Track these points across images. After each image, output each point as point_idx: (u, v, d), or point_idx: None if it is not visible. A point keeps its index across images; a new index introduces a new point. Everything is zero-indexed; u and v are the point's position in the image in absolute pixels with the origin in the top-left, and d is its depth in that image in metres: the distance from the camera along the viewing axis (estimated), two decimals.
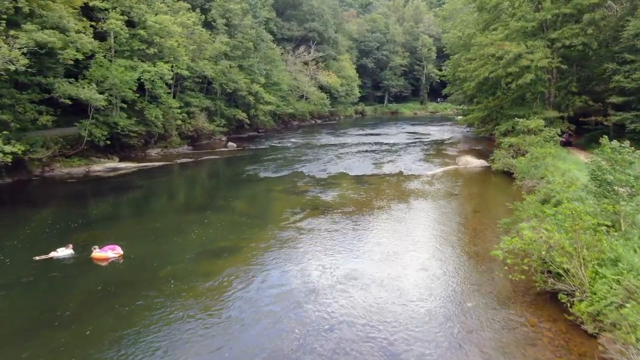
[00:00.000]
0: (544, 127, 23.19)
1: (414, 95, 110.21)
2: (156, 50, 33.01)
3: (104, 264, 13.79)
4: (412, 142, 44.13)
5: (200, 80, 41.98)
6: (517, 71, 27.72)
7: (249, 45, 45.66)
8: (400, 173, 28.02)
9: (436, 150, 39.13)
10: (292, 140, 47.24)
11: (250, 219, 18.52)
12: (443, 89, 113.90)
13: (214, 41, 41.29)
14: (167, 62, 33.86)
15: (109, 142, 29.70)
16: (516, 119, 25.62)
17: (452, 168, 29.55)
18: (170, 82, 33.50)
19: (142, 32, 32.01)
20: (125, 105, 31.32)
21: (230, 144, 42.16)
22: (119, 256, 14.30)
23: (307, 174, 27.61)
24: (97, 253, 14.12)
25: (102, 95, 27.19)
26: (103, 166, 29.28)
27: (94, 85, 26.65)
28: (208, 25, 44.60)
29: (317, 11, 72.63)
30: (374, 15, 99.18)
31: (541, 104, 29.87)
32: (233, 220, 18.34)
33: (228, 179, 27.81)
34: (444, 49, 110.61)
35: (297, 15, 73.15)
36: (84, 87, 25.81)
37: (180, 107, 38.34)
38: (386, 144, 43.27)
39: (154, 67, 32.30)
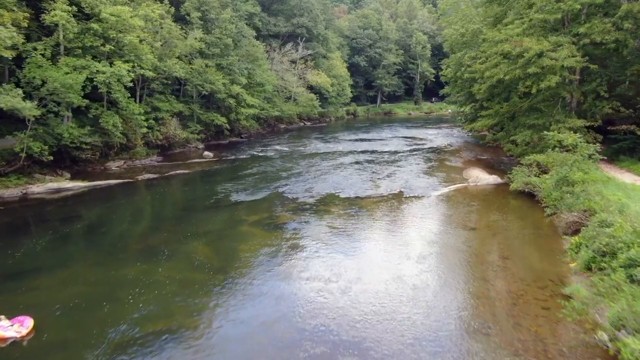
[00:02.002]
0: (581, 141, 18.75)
1: (407, 94, 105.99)
2: (113, 48, 28.09)
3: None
4: (410, 150, 39.67)
5: (172, 82, 37.04)
6: (539, 72, 23.32)
7: (227, 42, 40.82)
8: (401, 194, 23.50)
9: (438, 160, 34.69)
10: (277, 147, 42.54)
11: (210, 275, 13.85)
12: (438, 89, 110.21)
13: (186, 37, 36.36)
14: (128, 62, 28.96)
15: (51, 158, 24.75)
16: (545, 132, 21.18)
17: (461, 186, 25.10)
18: (130, 84, 28.55)
19: (95, 25, 27.07)
20: (70, 115, 26.42)
21: (206, 153, 37.33)
22: (25, 334, 10.25)
23: (289, 197, 22.98)
24: None
25: (31, 103, 22.21)
26: (44, 187, 24.33)
27: (19, 91, 21.62)
28: (182, 19, 39.67)
29: (305, 5, 67.79)
30: (366, 11, 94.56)
31: (563, 110, 25.51)
32: (186, 277, 13.66)
33: (194, 204, 23.01)
34: (442, 47, 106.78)
35: (283, 10, 68.26)
36: (4, 94, 20.74)
37: (146, 113, 33.49)
38: (381, 152, 38.77)
39: (111, 67, 27.39)
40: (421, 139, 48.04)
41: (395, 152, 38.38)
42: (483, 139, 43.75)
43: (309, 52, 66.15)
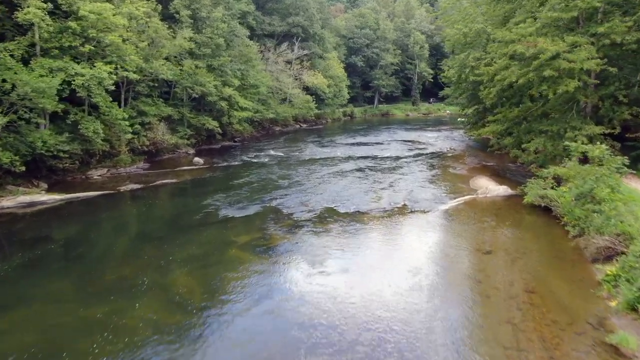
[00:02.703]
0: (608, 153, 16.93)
1: (404, 95, 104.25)
2: (93, 48, 26.02)
3: None
4: (412, 155, 37.82)
5: (160, 84, 34.96)
6: (555, 76, 21.49)
7: (219, 42, 38.78)
8: (405, 208, 21.62)
9: (442, 166, 32.85)
10: (271, 152, 40.56)
11: (190, 315, 11.88)
12: (436, 89, 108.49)
13: (174, 37, 34.29)
14: (110, 63, 26.91)
15: (23, 169, 22.68)
16: (566, 143, 19.32)
17: (469, 198, 23.24)
18: (113, 87, 26.49)
19: (73, 24, 24.99)
20: (46, 122, 24.36)
21: (196, 159, 35.30)
22: None
23: (283, 211, 21.03)
24: None
25: None
26: (16, 200, 22.24)
27: None
28: (171, 18, 37.61)
29: (301, 4, 65.78)
30: (363, 10, 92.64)
31: (578, 116, 23.71)
32: (163, 319, 11.68)
33: (179, 220, 20.96)
34: (440, 47, 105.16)
35: (279, 9, 66.22)
36: None
37: (132, 117, 31.46)
38: (381, 157, 36.91)
39: (91, 69, 25.33)
40: (422, 143, 46.21)
41: (396, 158, 36.50)
42: (486, 143, 42.05)
43: (305, 52, 64.19)
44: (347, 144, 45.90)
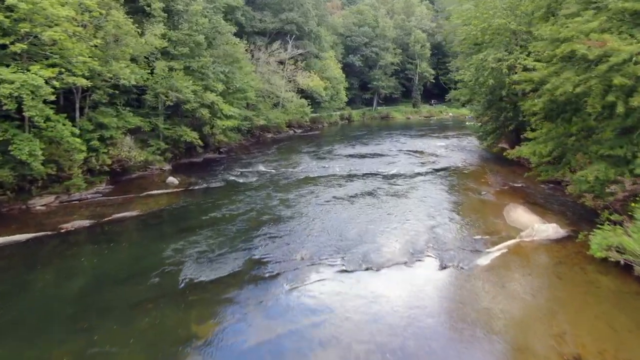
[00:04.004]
0: None
1: (404, 97, 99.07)
2: (27, 47, 20.40)
3: None
4: (423, 172, 32.43)
5: (126, 91, 29.28)
6: (628, 85, 16.14)
7: (199, 40, 33.17)
8: (430, 261, 16.20)
9: (463, 188, 27.49)
10: (261, 167, 35.03)
11: None
12: (437, 90, 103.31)
13: (140, 33, 28.62)
14: (53, 66, 21.27)
15: None
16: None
17: (513, 244, 17.84)
18: (53, 98, 20.86)
19: None
20: None
21: (170, 179, 29.68)
22: None
23: (268, 269, 15.52)
24: None
25: None
26: None
27: None
28: (141, 11, 31.93)
29: None
30: (361, 6, 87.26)
31: None
32: None
33: (122, 290, 15.08)
34: (441, 46, 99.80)
35: (271, 4, 60.61)
36: None
37: (88, 132, 25.93)
38: (388, 175, 31.50)
39: (24, 74, 19.69)
40: (431, 155, 40.87)
41: (406, 176, 31.09)
42: (500, 154, 37.04)
43: (300, 51, 58.64)
44: (346, 156, 40.48)
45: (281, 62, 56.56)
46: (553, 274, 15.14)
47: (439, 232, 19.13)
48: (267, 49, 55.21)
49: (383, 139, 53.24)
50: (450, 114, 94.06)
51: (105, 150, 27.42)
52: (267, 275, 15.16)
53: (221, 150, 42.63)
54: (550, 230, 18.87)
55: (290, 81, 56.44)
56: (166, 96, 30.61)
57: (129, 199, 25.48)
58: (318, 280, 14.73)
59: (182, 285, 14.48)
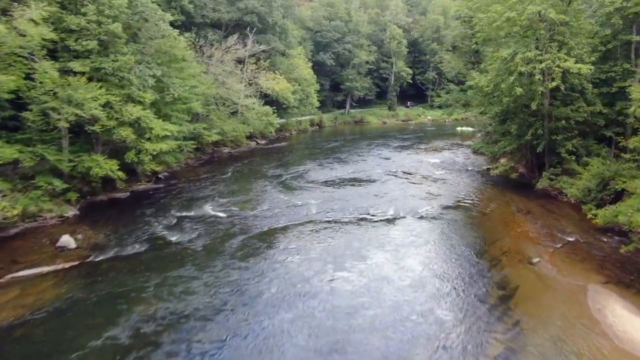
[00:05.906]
0: None
1: (379, 98, 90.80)
2: None
3: None
4: (427, 215, 23.80)
5: None
6: None
7: (113, 30, 23.08)
8: None
9: (498, 250, 18.98)
10: (208, 208, 25.31)
11: None
12: (413, 91, 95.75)
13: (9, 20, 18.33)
14: None
15: None
16: None
17: None
18: None
19: None
20: None
21: (64, 239, 19.43)
22: None
23: None
24: None
25: None
26: None
27: None
28: None
29: None
30: None
31: None
32: None
33: None
34: (417, 43, 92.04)
35: None
36: None
37: None
38: (382, 221, 22.76)
39: None
40: (428, 179, 32.42)
41: (408, 225, 22.32)
42: (507, 177, 29.43)
43: (262, 47, 48.73)
44: (322, 184, 31.36)
45: (240, 61, 46.56)
46: None
47: None
48: (222, 44, 45.02)
49: (362, 153, 44.46)
50: (429, 117, 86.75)
51: None
52: None
53: (160, 176, 32.55)
54: None
55: (251, 84, 46.58)
56: (57, 113, 20.41)
57: None
58: None
59: None
